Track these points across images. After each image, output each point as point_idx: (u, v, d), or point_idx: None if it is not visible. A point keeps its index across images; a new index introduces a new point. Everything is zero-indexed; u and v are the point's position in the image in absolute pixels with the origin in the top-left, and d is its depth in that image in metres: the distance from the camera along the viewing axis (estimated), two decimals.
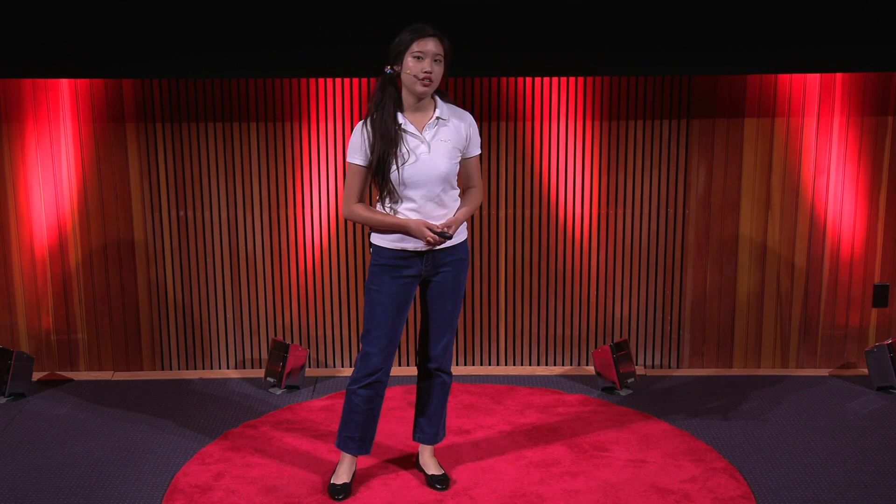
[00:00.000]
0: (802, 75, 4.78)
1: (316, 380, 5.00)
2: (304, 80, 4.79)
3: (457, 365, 5.12)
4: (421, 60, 3.48)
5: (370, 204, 3.70)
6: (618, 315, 5.09)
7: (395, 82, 3.58)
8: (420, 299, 3.81)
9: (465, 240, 3.75)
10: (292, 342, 5.01)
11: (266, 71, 4.61)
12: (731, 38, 4.46)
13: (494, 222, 4.98)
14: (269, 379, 4.88)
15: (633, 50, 4.49)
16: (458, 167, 3.66)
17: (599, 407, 4.63)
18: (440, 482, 3.88)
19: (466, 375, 5.01)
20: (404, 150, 3.55)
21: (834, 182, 4.92)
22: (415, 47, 3.48)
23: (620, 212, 4.95)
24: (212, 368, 5.12)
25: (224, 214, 4.93)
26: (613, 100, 4.84)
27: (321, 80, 4.79)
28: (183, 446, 4.26)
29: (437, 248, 3.63)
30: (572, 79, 4.80)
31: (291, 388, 4.87)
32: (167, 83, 4.78)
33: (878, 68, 4.64)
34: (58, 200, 4.88)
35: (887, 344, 4.82)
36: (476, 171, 3.72)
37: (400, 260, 3.65)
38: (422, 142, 3.57)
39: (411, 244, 3.62)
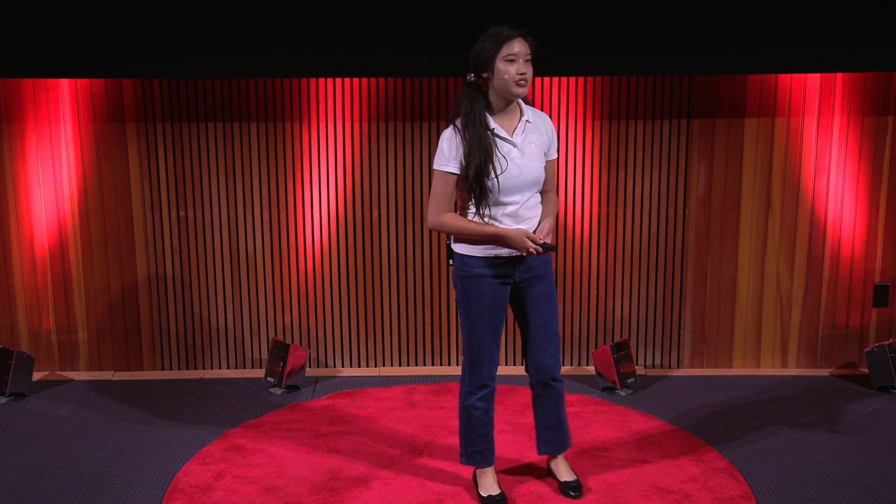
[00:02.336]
0: (802, 75, 4.78)
1: (316, 380, 5.00)
2: (304, 80, 4.79)
3: (457, 365, 5.12)
4: (514, 63, 3.42)
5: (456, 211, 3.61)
6: (618, 315, 5.09)
7: (480, 89, 3.50)
8: (517, 309, 3.70)
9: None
10: (292, 342, 5.01)
11: (266, 71, 4.61)
12: (732, 38, 4.46)
13: None
14: (269, 379, 4.88)
15: (633, 50, 4.49)
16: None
17: (599, 407, 4.63)
18: (573, 489, 3.82)
19: None
20: (500, 156, 3.47)
21: (834, 182, 4.92)
22: (504, 51, 3.42)
23: (620, 212, 4.95)
24: (212, 368, 5.12)
25: (224, 214, 4.93)
26: (613, 100, 4.84)
27: (321, 80, 4.79)
28: (183, 446, 4.26)
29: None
30: (572, 79, 4.80)
31: (291, 388, 4.87)
32: (167, 83, 4.78)
33: (878, 68, 4.64)
34: (58, 200, 4.89)
35: (887, 344, 4.83)
36: (553, 175, 3.66)
37: (494, 268, 3.56)
38: (514, 146, 3.51)
39: (505, 251, 3.52)
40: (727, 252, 5.00)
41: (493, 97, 3.50)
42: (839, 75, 4.79)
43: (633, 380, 4.85)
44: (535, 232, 3.54)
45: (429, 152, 4.89)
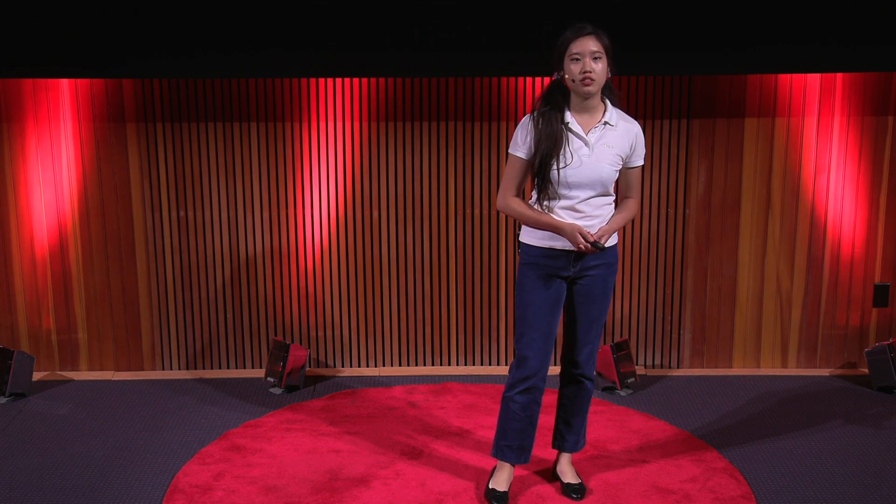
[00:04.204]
0: (802, 75, 4.78)
1: (316, 380, 5.00)
2: (304, 80, 4.79)
3: (457, 365, 5.12)
4: (578, 62, 3.45)
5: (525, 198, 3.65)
6: (618, 315, 5.09)
7: (562, 86, 3.54)
8: (566, 302, 3.71)
9: (616, 245, 3.67)
10: (292, 342, 5.01)
11: (266, 71, 4.61)
12: (732, 38, 4.46)
13: (495, 222, 4.98)
14: (269, 379, 4.88)
15: (633, 50, 4.49)
16: (618, 174, 3.60)
17: (599, 407, 4.63)
18: (576, 491, 3.81)
19: (466, 375, 5.02)
20: (568, 150, 3.50)
21: (834, 182, 4.92)
22: (572, 49, 3.46)
23: None
24: (212, 368, 5.12)
25: (224, 214, 4.93)
26: None
27: (321, 80, 4.79)
28: (183, 446, 4.26)
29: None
30: None
31: (291, 388, 4.87)
32: (167, 83, 4.78)
33: (878, 68, 4.64)
34: (58, 200, 4.88)
35: (887, 344, 4.83)
36: (637, 181, 3.65)
37: (548, 259, 3.59)
38: (585, 144, 3.52)
39: (560, 243, 3.55)
40: (727, 252, 5.00)
41: (572, 94, 3.54)
42: (839, 75, 4.79)
43: (633, 380, 4.85)
44: (596, 231, 3.55)
45: (429, 152, 4.89)
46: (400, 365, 5.14)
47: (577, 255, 3.58)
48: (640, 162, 3.64)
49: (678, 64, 4.55)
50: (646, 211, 4.95)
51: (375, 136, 4.87)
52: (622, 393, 4.80)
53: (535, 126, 3.51)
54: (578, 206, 3.53)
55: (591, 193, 3.54)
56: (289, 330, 5.08)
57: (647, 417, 4.53)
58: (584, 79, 3.44)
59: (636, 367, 5.02)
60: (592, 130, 3.53)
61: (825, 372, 5.09)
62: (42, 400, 4.77)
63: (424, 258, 5.01)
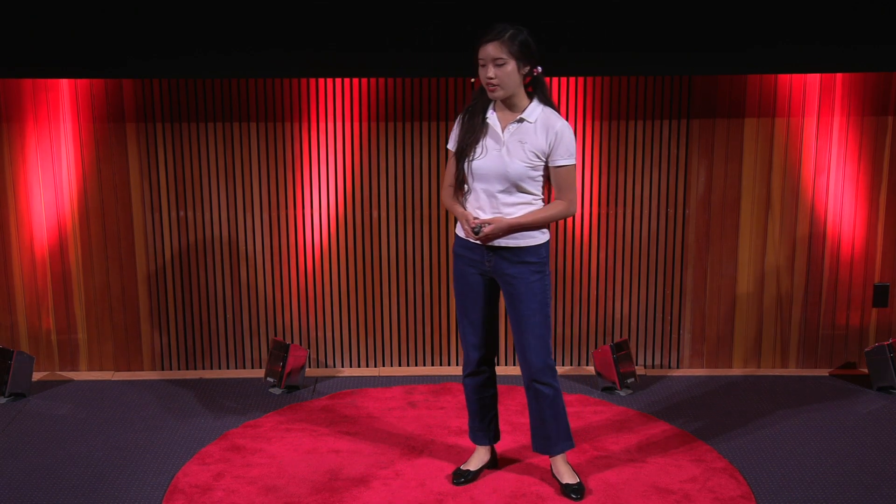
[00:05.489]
0: (802, 75, 4.78)
1: (316, 380, 5.00)
2: (304, 80, 4.79)
3: (457, 365, 5.12)
4: (483, 67, 3.55)
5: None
6: (618, 315, 5.09)
7: None
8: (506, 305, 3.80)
9: (541, 245, 3.65)
10: (292, 342, 5.01)
11: (266, 71, 4.61)
12: (732, 38, 4.46)
13: None
14: (269, 379, 4.88)
15: (633, 50, 4.49)
16: (540, 173, 3.61)
17: (599, 407, 4.63)
18: (575, 491, 3.81)
19: None
20: (482, 144, 3.61)
21: (834, 182, 4.92)
22: (478, 54, 3.56)
23: (620, 212, 4.95)
24: (212, 368, 5.12)
25: (224, 214, 4.93)
26: (613, 100, 4.84)
27: (321, 80, 4.79)
28: (183, 446, 4.26)
29: (495, 243, 3.62)
30: (572, 79, 4.80)
31: (291, 388, 4.87)
32: (167, 83, 4.78)
33: (878, 68, 4.64)
34: (58, 200, 4.88)
35: (887, 344, 4.82)
36: (566, 183, 3.62)
37: (466, 250, 3.73)
38: (498, 140, 3.61)
39: (464, 233, 3.71)
40: (727, 252, 5.00)
41: None
42: (839, 75, 4.79)
43: (633, 380, 4.85)
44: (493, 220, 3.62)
45: (429, 152, 4.89)
46: (400, 365, 5.13)
47: (489, 249, 3.66)
48: (565, 161, 3.61)
49: (678, 64, 4.55)
50: (646, 211, 4.95)
51: (375, 136, 4.87)
52: (622, 393, 4.80)
53: (462, 121, 3.69)
54: (486, 200, 3.62)
55: (500, 188, 3.60)
56: (289, 330, 5.08)
57: (647, 417, 4.53)
58: (487, 84, 3.56)
59: (636, 367, 5.02)
60: (508, 127, 3.60)
61: (825, 372, 5.09)
62: (42, 400, 4.77)
63: (424, 258, 5.01)
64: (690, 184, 4.93)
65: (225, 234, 4.96)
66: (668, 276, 5.03)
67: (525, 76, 3.58)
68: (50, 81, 4.74)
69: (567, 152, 3.60)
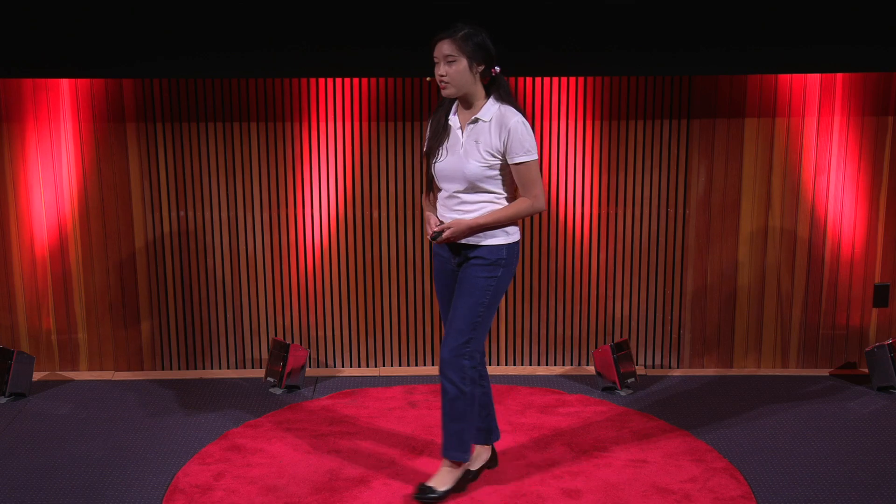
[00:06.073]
0: (802, 75, 4.78)
1: (316, 380, 5.00)
2: (304, 80, 4.79)
3: None
4: (437, 66, 3.58)
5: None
6: (618, 315, 5.09)
7: None
8: None
9: (501, 245, 3.62)
10: (292, 342, 5.01)
11: (266, 71, 4.61)
12: (731, 38, 4.46)
13: None
14: (269, 379, 4.88)
15: (633, 50, 4.49)
16: (498, 172, 3.59)
17: (599, 407, 4.63)
18: (424, 490, 3.77)
19: None
20: (444, 146, 3.66)
21: (834, 182, 4.92)
22: (433, 52, 3.59)
23: (620, 212, 4.95)
24: (212, 368, 5.12)
25: (224, 214, 4.93)
26: (613, 100, 4.84)
27: (321, 80, 4.80)
28: (183, 446, 4.26)
29: (462, 241, 3.63)
30: (572, 79, 4.80)
31: (291, 388, 4.87)
32: (167, 83, 4.78)
33: (878, 68, 4.64)
34: (58, 200, 4.88)
35: (887, 344, 4.83)
36: (526, 179, 3.56)
37: (439, 248, 3.77)
38: (457, 140, 3.63)
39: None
40: (727, 252, 5.00)
41: None
42: (839, 75, 4.79)
43: (633, 380, 4.85)
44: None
45: None
46: (400, 365, 5.14)
47: (453, 246, 3.69)
48: (522, 158, 3.55)
49: (678, 64, 4.55)
50: (646, 211, 4.95)
51: (375, 136, 4.87)
52: (622, 393, 4.80)
53: (430, 124, 3.75)
54: (448, 200, 3.67)
55: (459, 188, 3.63)
56: (289, 330, 5.08)
57: (647, 417, 4.53)
58: (439, 81, 3.59)
59: (636, 367, 5.02)
60: (466, 127, 3.63)
61: (825, 372, 5.09)
62: (42, 400, 4.77)
63: (424, 258, 5.01)
64: (690, 184, 4.93)
65: (225, 233, 4.96)
66: (668, 276, 5.03)
67: (481, 76, 3.58)
68: (50, 81, 4.75)
69: (522, 149, 3.54)
